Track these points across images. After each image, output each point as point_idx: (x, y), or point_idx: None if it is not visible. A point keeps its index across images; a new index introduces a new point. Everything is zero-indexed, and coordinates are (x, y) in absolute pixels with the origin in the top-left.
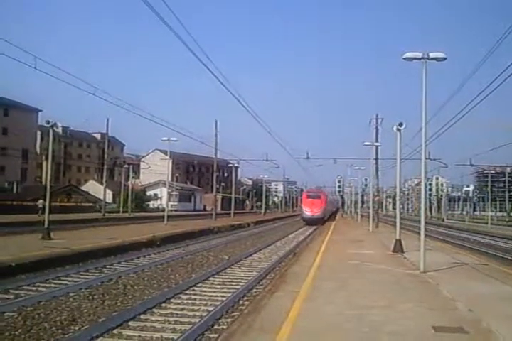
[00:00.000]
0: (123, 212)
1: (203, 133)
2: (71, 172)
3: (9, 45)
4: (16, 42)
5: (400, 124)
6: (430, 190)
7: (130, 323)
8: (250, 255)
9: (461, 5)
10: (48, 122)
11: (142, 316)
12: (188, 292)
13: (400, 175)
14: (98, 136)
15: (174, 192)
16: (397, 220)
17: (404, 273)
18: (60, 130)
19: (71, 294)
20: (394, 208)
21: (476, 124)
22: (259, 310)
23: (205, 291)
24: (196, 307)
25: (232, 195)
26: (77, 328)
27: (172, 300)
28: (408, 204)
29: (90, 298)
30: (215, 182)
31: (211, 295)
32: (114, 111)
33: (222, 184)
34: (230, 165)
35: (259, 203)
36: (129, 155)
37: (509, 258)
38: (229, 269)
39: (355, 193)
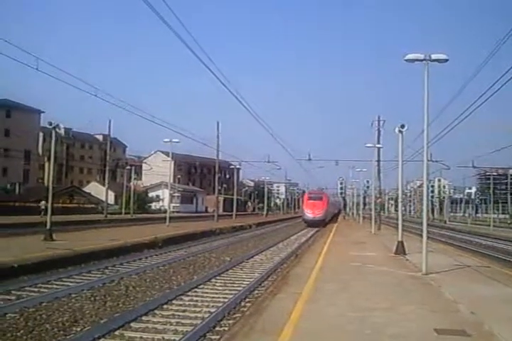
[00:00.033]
0: (125, 213)
1: (204, 134)
2: (73, 173)
3: (11, 46)
4: (16, 42)
5: (402, 126)
6: (432, 191)
7: (132, 324)
8: (252, 257)
9: (462, 5)
10: (50, 123)
11: (144, 317)
12: (189, 293)
13: (402, 176)
14: (100, 138)
15: (176, 194)
16: (399, 222)
17: (407, 275)
18: (62, 131)
19: (73, 295)
20: (396, 210)
21: (479, 126)
22: (261, 312)
23: (206, 293)
24: (198, 309)
25: (234, 197)
26: (78, 329)
27: (174, 302)
28: (410, 206)
29: (92, 299)
30: (216, 183)
31: (213, 297)
32: (116, 113)
33: (224, 185)
34: (232, 166)
35: (261, 205)
36: (131, 157)
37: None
38: (231, 271)
39: (357, 195)
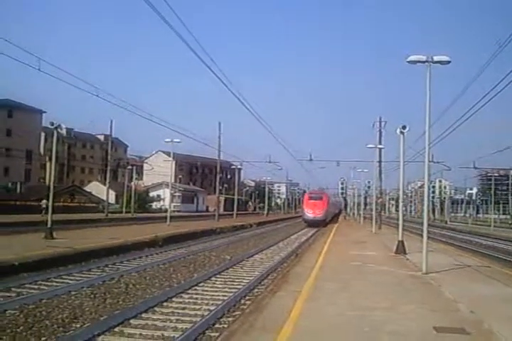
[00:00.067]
0: (126, 212)
1: (206, 134)
2: (74, 173)
3: (13, 47)
4: (16, 41)
5: (404, 127)
6: (433, 192)
7: (131, 321)
8: (252, 255)
9: (462, 5)
10: (52, 124)
11: (144, 315)
12: (189, 291)
13: (403, 177)
14: (102, 138)
15: (177, 193)
16: (400, 222)
17: (407, 275)
18: (64, 131)
19: (73, 292)
20: (397, 210)
21: (480, 127)
22: (260, 310)
23: (206, 291)
24: (198, 307)
25: (235, 196)
26: (78, 326)
27: (174, 299)
28: (411, 206)
29: (92, 296)
30: (218, 183)
31: (213, 295)
32: (117, 113)
33: (225, 185)
34: (233, 166)
35: (261, 204)
36: (132, 157)
37: None
38: (231, 269)
39: (358, 195)
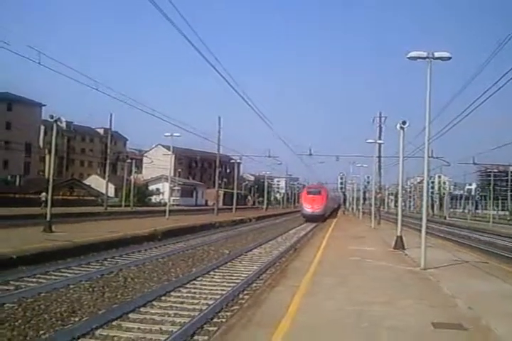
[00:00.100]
0: (125, 206)
1: (206, 129)
2: (74, 166)
3: (13, 40)
4: (18, 36)
5: (404, 122)
6: (432, 188)
7: (130, 315)
8: (251, 250)
9: (462, 4)
10: (51, 117)
11: (142, 309)
12: (188, 285)
13: (402, 172)
14: (101, 131)
15: (176, 187)
16: (399, 217)
17: (405, 270)
18: (63, 125)
19: (71, 286)
20: (396, 205)
21: (480, 123)
22: (259, 304)
23: (205, 285)
24: (196, 301)
25: (234, 191)
26: (77, 319)
27: (172, 294)
28: (410, 201)
29: (91, 290)
30: (217, 177)
31: (211, 289)
32: (117, 106)
33: (225, 179)
34: (233, 161)
35: (260, 199)
36: (131, 150)
37: (510, 256)
38: (229, 264)
39: (357, 190)
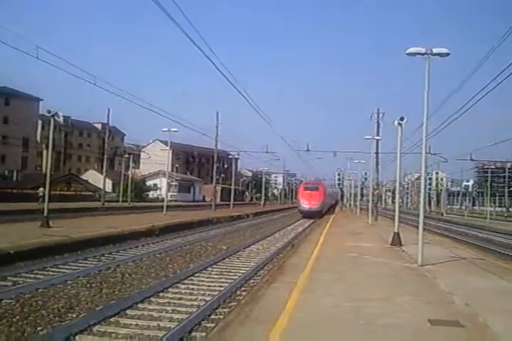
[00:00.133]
0: (122, 201)
1: (203, 124)
2: (71, 161)
3: (11, 34)
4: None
5: (401, 119)
6: (430, 184)
7: (127, 312)
8: (248, 246)
9: (462, 4)
10: (49, 111)
11: (140, 305)
12: (185, 281)
13: (400, 169)
14: (99, 126)
15: (174, 183)
16: (396, 214)
17: (402, 267)
18: (61, 119)
19: (69, 282)
20: (393, 202)
21: (478, 119)
22: (256, 301)
23: (202, 281)
24: (194, 297)
25: (232, 186)
26: (74, 316)
27: (170, 290)
28: (407, 198)
29: (88, 286)
30: (215, 173)
31: (209, 285)
32: (115, 101)
33: (222, 175)
34: (230, 156)
35: (258, 195)
36: (129, 145)
37: (507, 253)
38: (227, 260)
39: (354, 186)
